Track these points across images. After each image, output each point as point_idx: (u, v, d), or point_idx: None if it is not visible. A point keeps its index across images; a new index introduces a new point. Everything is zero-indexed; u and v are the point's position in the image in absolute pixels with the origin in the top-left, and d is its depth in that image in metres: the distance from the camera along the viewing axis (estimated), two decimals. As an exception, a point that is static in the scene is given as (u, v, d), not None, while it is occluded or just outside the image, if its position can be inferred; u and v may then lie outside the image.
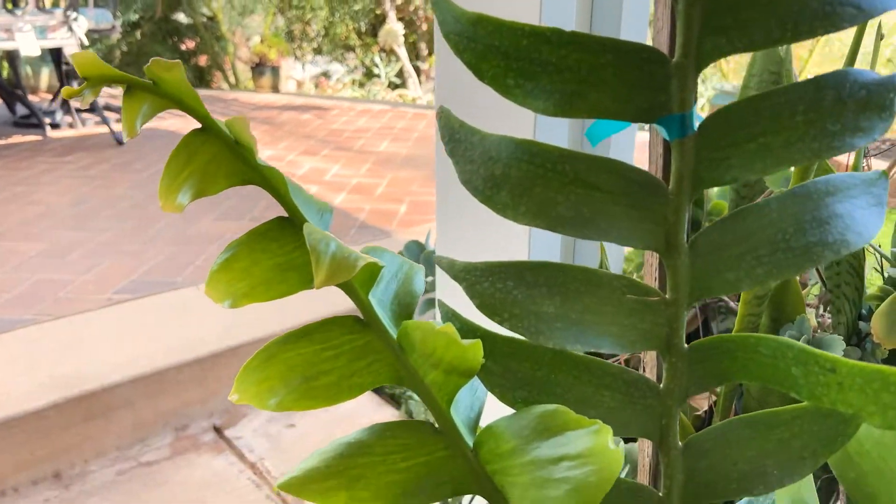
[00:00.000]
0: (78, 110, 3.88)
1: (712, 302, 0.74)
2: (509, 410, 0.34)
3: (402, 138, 3.74)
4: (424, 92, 6.46)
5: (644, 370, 0.38)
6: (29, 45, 3.23)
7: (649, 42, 0.32)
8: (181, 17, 6.57)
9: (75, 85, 3.83)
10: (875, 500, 0.37)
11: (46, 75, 5.43)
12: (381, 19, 6.86)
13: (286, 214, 0.35)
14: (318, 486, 0.35)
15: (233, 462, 1.19)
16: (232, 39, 6.78)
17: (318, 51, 7.10)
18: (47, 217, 2.34)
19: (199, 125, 0.33)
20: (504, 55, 0.30)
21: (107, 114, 3.78)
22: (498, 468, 0.34)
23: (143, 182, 2.82)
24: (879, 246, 0.61)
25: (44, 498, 1.12)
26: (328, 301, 1.41)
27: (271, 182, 0.35)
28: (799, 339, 0.56)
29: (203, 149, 0.34)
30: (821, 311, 0.67)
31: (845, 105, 0.28)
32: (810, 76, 0.29)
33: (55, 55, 3.59)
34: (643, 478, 0.39)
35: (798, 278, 0.63)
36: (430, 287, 0.97)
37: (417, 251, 1.04)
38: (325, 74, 6.88)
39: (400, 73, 6.67)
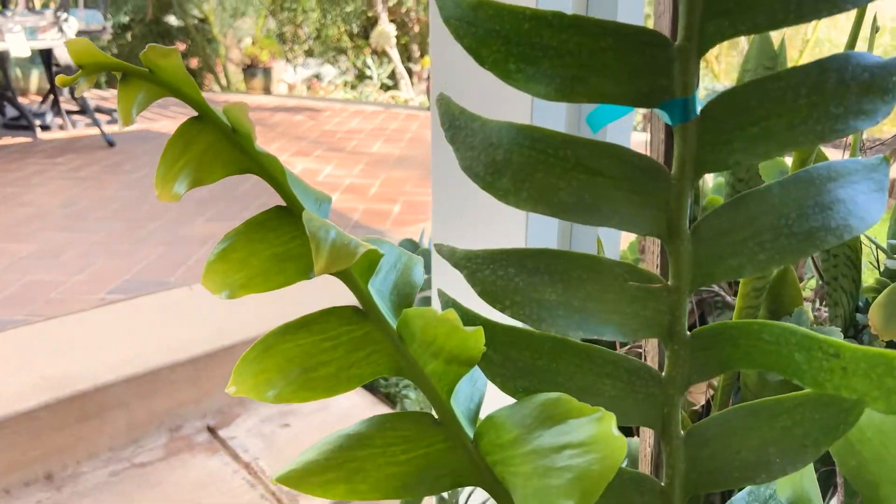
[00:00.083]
0: (68, 112, 3.86)
1: (709, 296, 0.73)
2: (509, 403, 0.34)
3: (395, 139, 3.74)
4: (417, 93, 6.46)
5: (645, 359, 0.37)
6: (19, 46, 3.21)
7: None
8: (172, 20, 6.55)
9: (65, 88, 3.81)
10: (876, 487, 0.37)
11: (36, 77, 5.40)
12: (372, 21, 6.86)
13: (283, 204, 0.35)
14: (317, 478, 0.35)
15: (227, 462, 1.18)
16: (223, 42, 6.77)
17: (309, 53, 7.09)
18: (38, 218, 2.32)
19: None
20: (505, 40, 0.30)
21: (97, 115, 3.76)
22: (499, 459, 0.33)
23: (134, 183, 2.80)
24: (875, 238, 0.61)
25: (36, 500, 1.11)
26: (325, 299, 1.40)
27: (269, 171, 0.34)
28: (796, 332, 0.56)
29: (199, 137, 0.34)
30: (817, 304, 0.67)
31: (848, 88, 0.28)
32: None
33: (45, 56, 3.57)
34: (644, 467, 0.39)
35: (795, 272, 0.63)
36: (426, 285, 0.97)
37: (412, 249, 1.04)
38: (317, 76, 6.87)
39: (392, 75, 6.67)
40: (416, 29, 6.93)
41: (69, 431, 1.18)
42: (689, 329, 0.33)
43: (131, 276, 1.78)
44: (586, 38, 0.29)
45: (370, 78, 6.63)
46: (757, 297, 0.57)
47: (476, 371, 0.37)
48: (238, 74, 6.74)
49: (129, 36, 6.35)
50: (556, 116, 0.65)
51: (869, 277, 0.63)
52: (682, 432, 0.35)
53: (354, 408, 1.32)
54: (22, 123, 3.65)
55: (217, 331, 1.37)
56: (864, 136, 0.69)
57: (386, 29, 6.49)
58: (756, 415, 0.34)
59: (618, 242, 0.84)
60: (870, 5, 0.46)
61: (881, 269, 0.66)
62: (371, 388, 1.39)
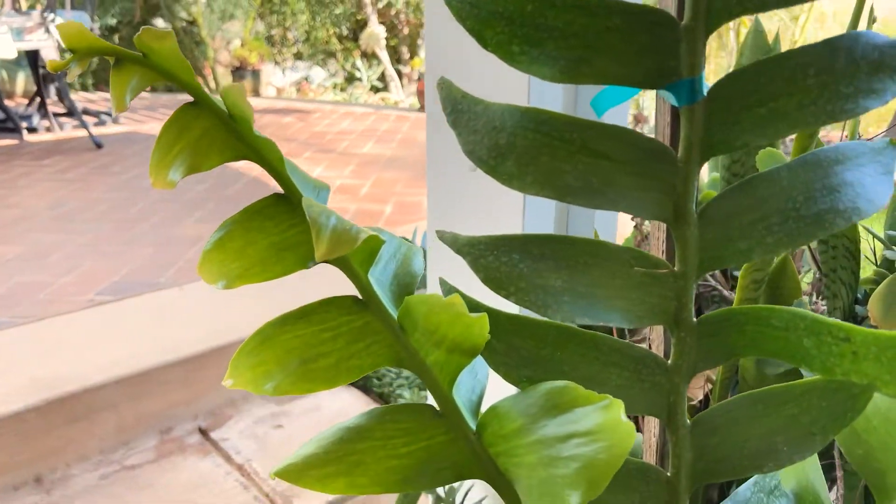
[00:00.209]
0: (55, 114, 3.83)
1: (706, 290, 0.73)
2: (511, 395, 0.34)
3: (386, 140, 3.73)
4: (407, 95, 6.46)
5: (650, 347, 0.37)
6: (5, 47, 3.18)
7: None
8: (160, 22, 6.52)
9: (52, 89, 3.78)
10: (883, 475, 0.36)
11: (22, 79, 5.35)
12: (361, 24, 6.85)
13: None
14: (317, 472, 0.34)
15: (219, 464, 1.17)
16: (211, 44, 6.73)
17: (298, 56, 7.07)
18: (25, 220, 2.30)
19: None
20: (508, 21, 0.29)
21: (85, 117, 3.73)
22: (502, 450, 0.33)
23: (123, 185, 2.78)
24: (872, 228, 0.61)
25: (25, 503, 1.09)
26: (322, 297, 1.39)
27: (266, 157, 0.34)
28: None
29: (195, 123, 0.33)
30: (814, 297, 0.67)
31: (858, 67, 0.28)
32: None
33: (32, 58, 3.53)
34: (650, 457, 0.38)
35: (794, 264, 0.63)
36: (420, 283, 0.96)
37: (406, 247, 1.03)
38: (307, 79, 6.85)
39: (382, 77, 6.66)
40: (406, 31, 6.93)
41: (58, 434, 1.16)
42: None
43: (120, 278, 1.76)
44: (591, 18, 0.28)
45: (360, 80, 6.62)
46: (756, 289, 0.56)
47: (477, 363, 0.36)
48: (227, 77, 6.71)
49: (116, 38, 6.31)
50: (553, 102, 0.64)
51: (865, 271, 0.63)
52: (688, 421, 0.34)
53: (348, 408, 1.31)
54: (8, 126, 3.62)
55: (208, 331, 1.36)
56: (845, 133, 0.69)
57: (375, 31, 6.48)
58: (763, 403, 0.34)
59: (614, 235, 0.83)
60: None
61: (878, 262, 0.66)
62: (364, 388, 1.38)
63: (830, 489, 0.62)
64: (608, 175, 0.30)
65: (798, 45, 0.31)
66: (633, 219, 0.84)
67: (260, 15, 7.08)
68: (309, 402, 1.35)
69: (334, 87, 6.70)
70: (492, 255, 0.32)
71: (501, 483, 0.34)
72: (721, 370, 0.64)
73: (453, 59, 0.65)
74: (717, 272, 0.76)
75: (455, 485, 0.83)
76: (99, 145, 3.44)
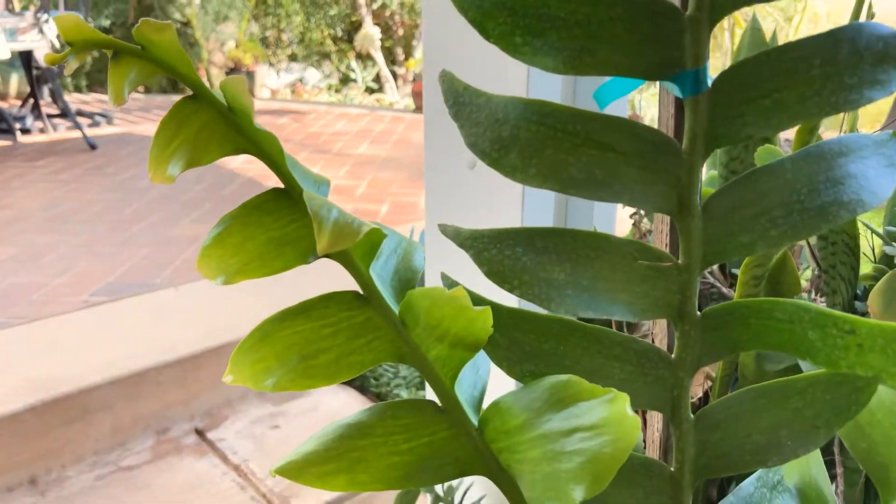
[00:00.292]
0: (49, 116, 3.81)
1: (704, 288, 0.73)
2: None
3: (381, 141, 3.73)
4: (402, 96, 6.46)
5: (654, 341, 0.37)
6: (-2, 47, 3.16)
7: None
8: (154, 23, 6.48)
9: (45, 90, 3.76)
10: (887, 469, 0.36)
11: (16, 81, 5.33)
12: (356, 25, 6.85)
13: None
14: (317, 469, 0.33)
15: (216, 464, 1.17)
16: (205, 46, 6.72)
17: (293, 58, 7.06)
18: (19, 221, 2.29)
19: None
20: (511, 11, 0.29)
21: (79, 119, 3.71)
22: (505, 446, 0.32)
23: (117, 186, 2.77)
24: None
25: (19, 505, 1.09)
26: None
27: (266, 151, 0.33)
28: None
29: (194, 117, 0.33)
30: (813, 294, 0.67)
31: (862, 58, 0.28)
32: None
33: (25, 59, 3.52)
34: (652, 452, 0.38)
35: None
36: (419, 282, 0.96)
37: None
38: (301, 80, 6.85)
39: (377, 79, 6.66)
40: (401, 32, 6.93)
41: (54, 435, 1.15)
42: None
43: (115, 278, 1.76)
44: (595, 7, 0.28)
45: (354, 81, 6.62)
46: (756, 285, 0.56)
47: (479, 358, 0.36)
48: (221, 77, 6.70)
49: (110, 39, 6.27)
50: (551, 97, 0.64)
51: (863, 268, 0.63)
52: (691, 416, 0.34)
53: (345, 408, 1.31)
54: (1, 127, 3.60)
55: (205, 331, 1.35)
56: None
57: (370, 32, 6.48)
58: (767, 397, 0.34)
59: (612, 232, 0.83)
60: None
61: (875, 258, 0.66)
62: (361, 387, 1.37)
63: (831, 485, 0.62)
64: (612, 167, 0.30)
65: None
66: (631, 216, 0.84)
67: (254, 16, 7.07)
68: (306, 402, 1.35)
69: (329, 88, 6.70)
70: (495, 249, 0.32)
71: (504, 479, 0.34)
72: (721, 367, 0.64)
73: (452, 53, 0.65)
74: (716, 269, 0.76)
75: (454, 484, 0.82)
76: (93, 146, 3.43)
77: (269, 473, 1.15)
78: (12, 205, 2.48)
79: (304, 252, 0.33)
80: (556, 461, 0.29)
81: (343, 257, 0.33)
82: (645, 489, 0.36)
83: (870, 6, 0.56)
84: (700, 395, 0.71)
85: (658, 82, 0.33)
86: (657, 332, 0.36)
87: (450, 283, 0.35)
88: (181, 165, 0.33)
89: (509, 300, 0.34)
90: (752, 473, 0.41)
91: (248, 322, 0.31)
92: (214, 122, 0.33)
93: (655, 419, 0.38)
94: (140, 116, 4.51)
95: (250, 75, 6.46)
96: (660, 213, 0.31)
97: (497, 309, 0.34)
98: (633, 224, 0.72)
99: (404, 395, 1.29)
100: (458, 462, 0.34)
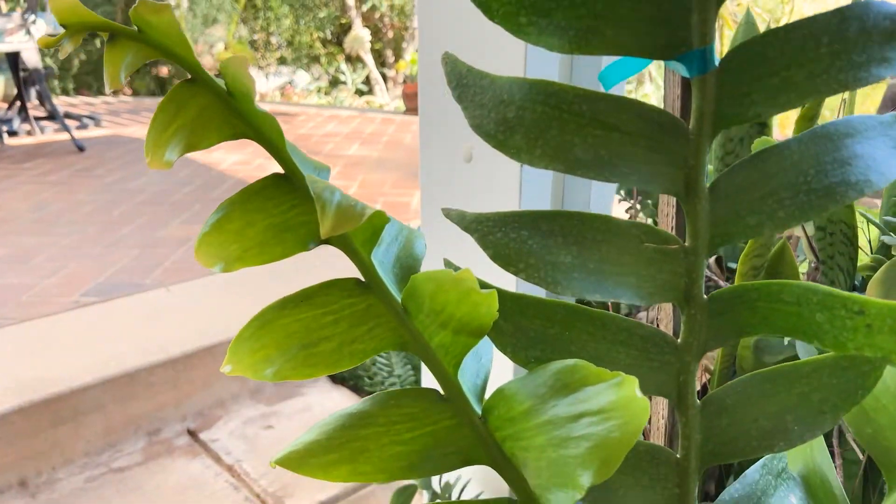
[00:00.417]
0: (36, 118, 3.78)
1: (701, 281, 0.73)
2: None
3: (372, 142, 3.72)
4: (392, 98, 6.45)
5: (659, 326, 0.36)
6: (-15, 49, 3.13)
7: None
8: (142, 25, 6.45)
9: (33, 92, 3.73)
10: (892, 454, 0.36)
11: (2, 83, 5.29)
12: (345, 28, 6.84)
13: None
14: (319, 460, 0.33)
15: (209, 465, 1.15)
16: (194, 49, 6.69)
17: (282, 61, 7.04)
18: (7, 223, 2.27)
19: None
20: (516, -10, 0.28)
21: (67, 121, 3.69)
22: (509, 434, 0.32)
23: (106, 187, 2.75)
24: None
25: (9, 508, 1.07)
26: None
27: (266, 135, 0.33)
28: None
29: (192, 101, 0.32)
30: (809, 287, 0.67)
31: (870, 36, 0.27)
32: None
33: (12, 61, 3.49)
34: (657, 439, 0.38)
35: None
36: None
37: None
38: (290, 83, 6.83)
39: (367, 81, 6.65)
40: (391, 35, 6.93)
41: (44, 436, 1.14)
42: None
43: (105, 279, 1.74)
44: (601, -13, 0.28)
45: (344, 83, 6.61)
46: (755, 276, 0.56)
47: (482, 346, 0.36)
48: (210, 80, 6.65)
49: (97, 42, 6.25)
50: (548, 75, 0.64)
51: (860, 258, 0.63)
52: (697, 401, 0.34)
53: (338, 407, 1.30)
54: (-12, 129, 3.57)
55: (196, 331, 1.34)
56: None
57: (360, 34, 6.48)
58: (773, 381, 0.33)
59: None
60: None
61: (872, 248, 0.66)
62: (356, 387, 1.37)
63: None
64: (618, 148, 0.29)
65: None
66: (627, 210, 0.84)
67: (243, 19, 7.05)
68: (299, 402, 1.34)
69: (318, 90, 6.68)
70: (500, 232, 0.31)
71: (508, 468, 0.33)
72: (719, 360, 0.64)
73: (448, 40, 0.64)
74: (713, 263, 0.76)
75: (451, 481, 0.82)
76: (81, 148, 3.41)
77: (262, 474, 1.14)
78: (0, 206, 2.46)
79: (305, 238, 0.33)
80: (563, 447, 0.29)
81: (344, 243, 0.32)
82: (650, 476, 0.35)
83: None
84: (698, 388, 0.71)
85: (663, 64, 0.32)
86: (662, 317, 0.36)
87: (454, 269, 0.35)
88: (179, 150, 0.32)
89: (510, 288, 0.33)
90: (755, 461, 0.40)
91: (240, 322, 0.31)
92: (213, 105, 0.32)
93: (660, 406, 0.37)
94: (129, 119, 4.48)
95: (239, 78, 6.42)
96: (666, 194, 0.31)
97: (501, 294, 0.33)
98: (630, 217, 0.72)
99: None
100: (462, 451, 0.34)
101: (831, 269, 0.58)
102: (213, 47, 6.84)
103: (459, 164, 0.69)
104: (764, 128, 0.76)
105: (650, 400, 0.40)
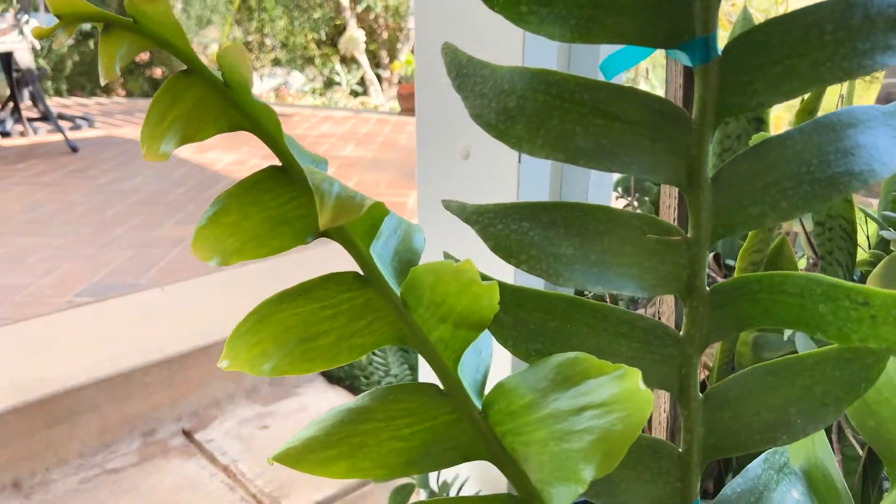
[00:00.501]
0: (29, 119, 3.76)
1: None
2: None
3: (367, 142, 3.72)
4: (387, 99, 6.45)
5: (660, 319, 0.36)
6: (-23, 49, 3.12)
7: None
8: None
9: (26, 93, 3.72)
10: (894, 447, 0.36)
11: (-5, 84, 5.26)
12: (340, 29, 6.84)
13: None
14: (317, 456, 0.33)
15: (204, 466, 1.15)
16: (189, 45, 6.67)
17: (276, 62, 7.03)
18: (0, 224, 2.25)
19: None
20: (517, -21, 0.28)
21: (60, 122, 3.67)
22: (510, 428, 0.32)
23: (100, 188, 2.74)
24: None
25: (3, 509, 1.06)
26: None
27: (263, 126, 0.32)
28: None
29: (188, 92, 0.32)
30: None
31: (874, 23, 0.27)
32: None
33: (4, 61, 3.47)
34: (659, 433, 0.38)
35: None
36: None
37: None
38: (285, 84, 6.82)
39: (361, 82, 6.65)
40: (385, 36, 6.92)
41: (38, 437, 1.13)
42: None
43: (99, 279, 1.73)
44: (603, -25, 0.28)
45: (339, 84, 6.60)
46: (754, 272, 0.56)
47: (482, 341, 0.35)
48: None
49: (91, 43, 6.23)
50: (547, 64, 0.64)
51: (858, 255, 0.63)
52: (700, 395, 0.34)
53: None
54: (-19, 130, 3.55)
55: (192, 331, 1.33)
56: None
57: (355, 34, 6.47)
58: (775, 374, 0.33)
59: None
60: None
61: (870, 245, 0.66)
62: (351, 387, 1.36)
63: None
64: (620, 137, 0.29)
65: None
66: (624, 207, 0.84)
67: (237, 21, 7.03)
68: (295, 402, 1.33)
69: (313, 91, 6.67)
70: (501, 224, 0.31)
71: (508, 464, 0.33)
72: (717, 357, 0.64)
73: (445, 31, 0.64)
74: (711, 260, 0.75)
75: (449, 480, 0.81)
76: (75, 149, 3.39)
77: (258, 474, 1.14)
78: (-7, 207, 2.44)
79: (303, 231, 0.32)
80: (565, 441, 0.29)
81: (343, 236, 0.32)
82: (652, 471, 0.35)
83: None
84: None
85: (665, 53, 0.32)
86: (664, 310, 0.35)
87: (454, 262, 0.34)
88: (175, 142, 0.32)
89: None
90: (755, 458, 0.40)
91: (237, 322, 0.30)
92: (209, 97, 0.32)
93: (661, 400, 0.37)
94: (122, 120, 4.46)
95: (234, 79, 6.41)
96: (669, 184, 0.31)
97: (501, 287, 0.33)
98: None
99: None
100: (462, 447, 0.33)
101: (830, 264, 0.58)
102: (207, 48, 6.82)
103: (457, 160, 0.69)
104: (761, 124, 0.76)
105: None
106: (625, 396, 0.28)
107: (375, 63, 6.90)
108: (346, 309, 0.32)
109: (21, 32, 3.24)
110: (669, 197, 0.33)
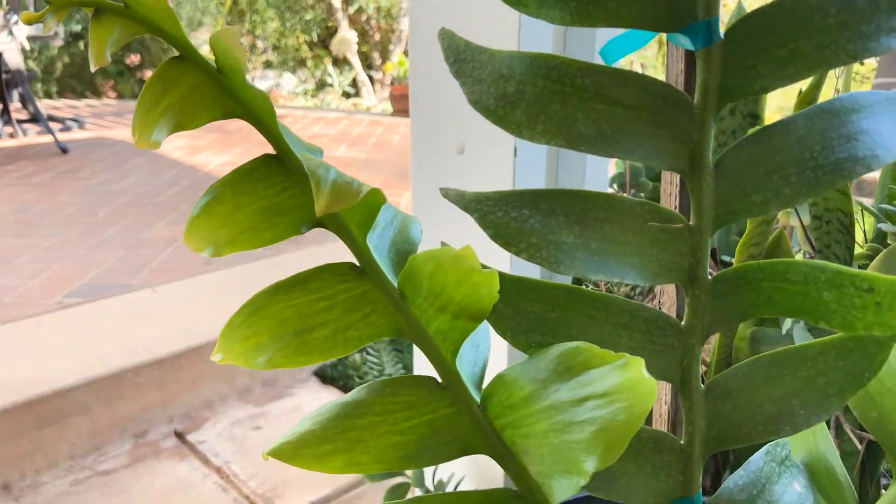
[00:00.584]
0: (19, 121, 3.74)
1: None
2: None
3: (360, 143, 3.71)
4: (379, 100, 6.44)
5: (661, 309, 0.36)
6: (-34, 50, 3.09)
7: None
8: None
9: (15, 94, 3.69)
10: (898, 439, 0.35)
11: (-16, 86, 5.22)
12: (332, 31, 6.83)
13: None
14: (313, 450, 0.32)
15: (197, 467, 1.14)
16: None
17: (268, 64, 7.01)
18: (-11, 225, 2.24)
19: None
20: (516, -38, 0.28)
21: (51, 124, 3.64)
22: (509, 421, 0.31)
23: (89, 189, 2.72)
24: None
25: (-8, 513, 1.05)
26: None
27: (257, 113, 0.32)
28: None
29: (181, 79, 0.31)
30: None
31: (878, 5, 0.27)
32: None
33: (-6, 61, 3.45)
34: (660, 426, 0.37)
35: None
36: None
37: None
38: (277, 86, 6.80)
39: (353, 83, 6.64)
40: (377, 37, 6.92)
41: (27, 438, 1.12)
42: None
43: (89, 280, 1.72)
44: (604, -44, 0.27)
45: (331, 86, 6.59)
46: (751, 265, 0.56)
47: (480, 333, 0.35)
48: (196, 82, 6.61)
49: (81, 45, 6.20)
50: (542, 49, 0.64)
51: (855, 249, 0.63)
52: (702, 386, 0.33)
53: (328, 408, 1.28)
54: (-30, 132, 3.52)
55: (183, 332, 1.32)
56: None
57: (347, 36, 6.47)
58: (778, 364, 0.33)
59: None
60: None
61: (867, 240, 0.66)
62: (345, 387, 1.35)
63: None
64: (622, 122, 0.29)
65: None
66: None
67: (228, 23, 7.02)
68: (288, 402, 1.32)
69: (305, 93, 6.66)
70: (500, 211, 0.30)
71: (507, 457, 0.33)
72: (716, 351, 0.63)
73: (440, 19, 0.63)
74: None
75: (444, 479, 0.81)
76: (65, 150, 3.37)
77: (251, 475, 1.12)
78: (-18, 209, 2.42)
79: (297, 222, 0.32)
80: (566, 432, 0.28)
81: (338, 225, 0.31)
82: (654, 463, 0.34)
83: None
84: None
85: (655, 56, 0.31)
86: (665, 300, 0.35)
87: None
88: (167, 130, 0.31)
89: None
90: (754, 453, 0.40)
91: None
92: (202, 83, 0.31)
93: (663, 392, 0.36)
94: (113, 121, 4.44)
95: (225, 80, 6.39)
96: (670, 170, 0.30)
97: (501, 277, 0.32)
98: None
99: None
100: (460, 441, 0.33)
101: (827, 258, 0.58)
102: (199, 49, 6.79)
103: (451, 156, 0.68)
104: (756, 120, 0.75)
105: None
106: (627, 386, 0.27)
107: (367, 64, 6.89)
108: (342, 300, 0.32)
109: (10, 33, 3.21)
110: (671, 184, 0.33)
